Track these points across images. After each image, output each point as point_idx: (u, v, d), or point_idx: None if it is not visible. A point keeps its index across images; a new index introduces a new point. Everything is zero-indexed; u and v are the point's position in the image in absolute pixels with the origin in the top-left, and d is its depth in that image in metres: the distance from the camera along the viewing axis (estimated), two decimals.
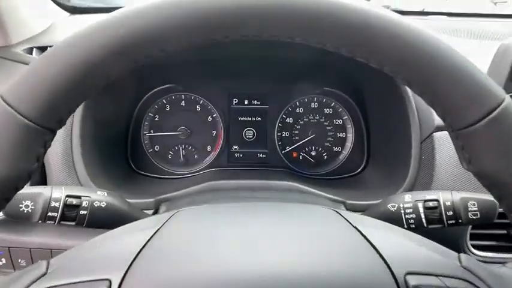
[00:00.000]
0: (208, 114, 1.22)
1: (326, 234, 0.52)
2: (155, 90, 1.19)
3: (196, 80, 1.19)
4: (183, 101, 1.21)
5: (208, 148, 1.23)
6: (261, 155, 1.25)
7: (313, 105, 1.23)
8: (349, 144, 1.23)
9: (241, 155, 1.24)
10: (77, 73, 0.40)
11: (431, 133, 0.94)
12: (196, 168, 1.22)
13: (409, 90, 0.94)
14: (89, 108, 0.94)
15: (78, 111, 0.92)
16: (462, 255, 0.52)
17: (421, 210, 0.72)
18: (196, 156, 1.23)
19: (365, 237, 0.51)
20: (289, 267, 0.44)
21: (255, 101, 1.23)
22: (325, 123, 1.24)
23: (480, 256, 0.91)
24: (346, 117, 1.23)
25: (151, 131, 1.21)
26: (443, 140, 0.93)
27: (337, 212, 0.59)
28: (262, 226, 0.53)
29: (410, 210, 0.72)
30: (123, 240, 0.49)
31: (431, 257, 0.51)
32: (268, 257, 0.45)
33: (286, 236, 0.51)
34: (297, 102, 1.23)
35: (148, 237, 0.47)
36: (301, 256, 0.46)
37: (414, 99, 0.95)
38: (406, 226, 0.73)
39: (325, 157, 1.24)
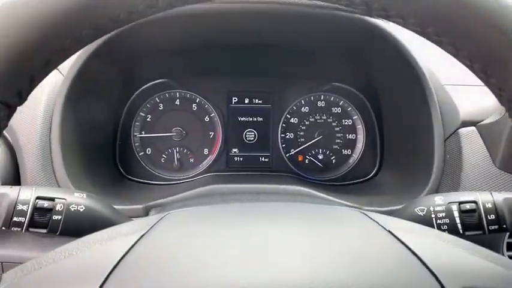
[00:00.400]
0: (205, 114, 1.12)
1: (356, 240, 0.42)
2: (147, 86, 1.09)
3: (192, 76, 1.10)
4: (178, 100, 1.11)
5: (205, 151, 1.12)
6: (263, 159, 1.14)
7: (319, 104, 1.13)
8: (359, 146, 1.13)
9: (241, 159, 1.14)
10: (33, 31, 0.32)
11: (457, 129, 0.83)
12: (191, 173, 1.11)
13: (430, 81, 0.84)
14: (71, 104, 0.84)
15: (58, 106, 0.81)
16: None
17: (456, 214, 0.61)
18: (191, 160, 1.12)
19: (405, 244, 0.40)
20: (314, 281, 0.33)
21: (256, 100, 1.13)
22: (333, 124, 1.13)
23: None
24: (356, 117, 1.12)
25: (143, 132, 1.10)
26: (470, 137, 0.82)
27: (364, 214, 0.48)
28: (274, 230, 0.42)
29: (443, 214, 0.62)
30: (100, 248, 0.39)
31: (490, 269, 0.40)
32: (285, 269, 0.34)
33: (306, 241, 0.40)
34: (302, 101, 1.13)
35: (131, 244, 0.38)
36: (328, 269, 0.35)
37: (436, 93, 0.85)
38: None
39: (334, 161, 1.14)
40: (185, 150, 1.12)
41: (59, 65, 0.37)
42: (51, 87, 0.85)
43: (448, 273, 0.37)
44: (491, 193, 0.61)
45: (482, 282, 0.37)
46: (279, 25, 0.85)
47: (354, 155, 1.13)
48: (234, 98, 1.13)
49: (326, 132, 1.13)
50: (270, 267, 0.34)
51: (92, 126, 0.95)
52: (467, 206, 0.60)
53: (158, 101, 1.10)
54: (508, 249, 0.79)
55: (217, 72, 1.10)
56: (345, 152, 1.13)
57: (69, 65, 0.83)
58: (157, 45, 0.96)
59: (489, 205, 0.60)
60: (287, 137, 1.14)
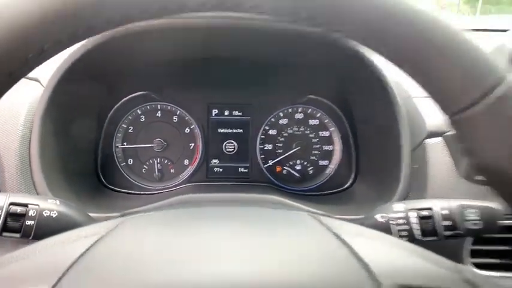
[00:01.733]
0: (186, 126, 1.14)
1: (300, 240, 0.44)
2: (128, 98, 1.11)
3: (173, 88, 1.12)
4: (159, 112, 1.13)
5: (186, 162, 1.15)
6: (242, 169, 1.16)
7: (297, 116, 1.16)
8: (336, 157, 1.16)
9: (221, 170, 1.16)
10: None
11: (423, 140, 0.86)
12: (172, 183, 1.13)
13: (398, 95, 0.87)
14: (51, 115, 0.86)
15: (37, 116, 0.84)
16: (459, 265, 0.44)
17: (414, 220, 0.64)
18: (172, 171, 1.14)
19: (347, 244, 0.43)
20: (253, 279, 0.35)
21: (236, 112, 1.16)
22: (311, 135, 1.16)
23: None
24: (333, 128, 1.16)
25: (125, 143, 1.13)
26: (436, 147, 0.85)
27: (314, 217, 0.51)
28: (225, 232, 0.45)
29: (402, 220, 0.64)
30: (57, 249, 0.41)
31: (426, 268, 0.43)
32: (229, 267, 0.37)
33: (252, 243, 0.42)
34: (281, 113, 1.16)
35: (88, 246, 0.40)
36: (270, 267, 0.38)
37: (405, 104, 0.88)
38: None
39: (311, 171, 1.16)
40: (166, 161, 1.14)
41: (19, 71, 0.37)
42: (33, 98, 0.87)
43: (386, 271, 0.39)
44: (448, 200, 0.64)
45: (417, 281, 0.40)
46: (251, 42, 0.88)
47: (331, 165, 1.16)
48: (214, 110, 1.15)
49: (304, 144, 1.15)
50: (216, 267, 0.36)
51: (73, 137, 0.97)
52: (425, 213, 0.63)
53: (140, 112, 1.13)
54: (473, 256, 0.82)
55: (197, 84, 1.12)
56: (322, 162, 1.16)
57: (49, 76, 0.85)
58: (138, 58, 0.99)
59: (445, 211, 0.63)
60: (265, 148, 1.16)
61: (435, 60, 0.38)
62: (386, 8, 0.37)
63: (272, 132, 1.16)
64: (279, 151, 1.16)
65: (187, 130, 1.14)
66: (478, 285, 0.41)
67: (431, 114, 0.89)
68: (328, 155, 1.16)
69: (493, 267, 0.83)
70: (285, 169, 1.16)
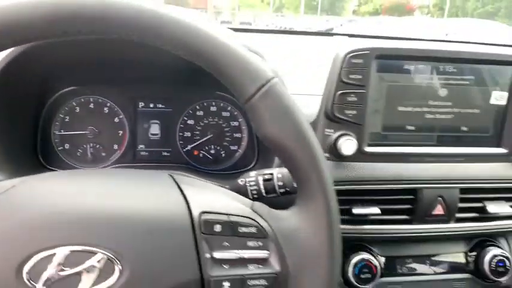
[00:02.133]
0: (115, 116, 1.33)
1: (148, 186, 0.66)
2: (64, 91, 1.29)
3: (104, 84, 1.31)
4: (92, 103, 1.32)
5: (115, 147, 1.34)
6: (165, 153, 1.37)
7: (212, 108, 1.38)
8: (244, 143, 1.38)
9: (146, 153, 1.36)
10: None
11: None
12: (102, 165, 1.32)
13: None
14: None
15: None
16: (255, 202, 0.67)
17: (261, 182, 0.86)
18: (103, 154, 1.33)
19: (180, 188, 0.64)
20: (101, 206, 0.57)
21: (160, 105, 1.36)
22: (223, 125, 1.38)
23: None
24: (241, 119, 1.38)
25: (62, 130, 1.31)
26: None
27: (170, 174, 0.72)
28: (101, 181, 0.65)
29: (253, 183, 0.87)
30: None
31: (228, 203, 0.65)
32: (90, 199, 0.58)
33: (111, 186, 0.64)
34: (197, 106, 1.37)
35: (5, 189, 0.59)
36: (116, 198, 0.60)
37: None
38: (251, 197, 0.87)
39: (223, 155, 1.38)
40: (98, 146, 1.33)
41: None
42: None
43: (197, 202, 0.61)
44: (284, 167, 0.87)
45: (218, 209, 0.62)
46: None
47: (239, 150, 1.38)
48: (140, 103, 1.35)
49: (217, 132, 1.37)
50: (85, 203, 0.57)
51: (14, 124, 1.15)
52: (267, 177, 0.86)
53: (75, 104, 1.31)
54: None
55: (125, 81, 1.31)
56: (232, 147, 1.38)
57: None
58: (70, 58, 1.18)
59: (280, 175, 0.86)
60: (185, 135, 1.37)
61: (227, 69, 0.60)
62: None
63: (190, 122, 1.37)
64: (196, 138, 1.37)
65: (116, 120, 1.34)
66: (262, 214, 0.64)
67: (309, 107, 1.11)
68: (237, 141, 1.38)
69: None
70: (201, 153, 1.37)
